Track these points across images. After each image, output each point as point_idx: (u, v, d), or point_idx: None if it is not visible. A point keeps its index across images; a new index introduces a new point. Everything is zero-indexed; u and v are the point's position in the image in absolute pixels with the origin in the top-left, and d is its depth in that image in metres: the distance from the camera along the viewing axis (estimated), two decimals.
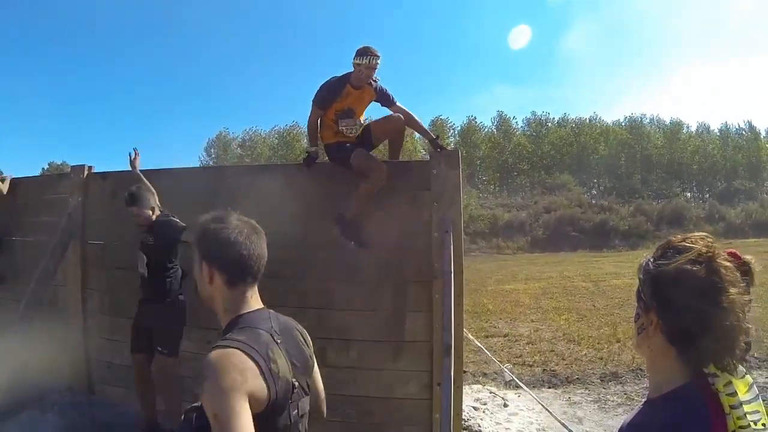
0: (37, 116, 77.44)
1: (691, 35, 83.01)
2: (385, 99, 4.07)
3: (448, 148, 4.14)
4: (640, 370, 6.53)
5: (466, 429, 4.70)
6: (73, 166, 5.25)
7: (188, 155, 61.30)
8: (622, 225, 34.51)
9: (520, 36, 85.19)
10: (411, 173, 4.10)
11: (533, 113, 54.47)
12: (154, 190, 4.04)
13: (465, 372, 4.97)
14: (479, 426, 4.89)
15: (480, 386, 6.23)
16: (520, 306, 11.83)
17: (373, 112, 6.34)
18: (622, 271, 17.33)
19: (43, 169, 44.05)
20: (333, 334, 4.03)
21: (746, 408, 0.99)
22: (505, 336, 9.02)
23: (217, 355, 1.30)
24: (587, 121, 52.76)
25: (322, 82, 4.02)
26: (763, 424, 1.00)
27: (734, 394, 0.99)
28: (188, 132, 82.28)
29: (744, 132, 53.18)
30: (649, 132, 52.46)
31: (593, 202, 41.38)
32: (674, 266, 1.03)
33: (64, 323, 4.85)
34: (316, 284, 4.13)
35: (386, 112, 4.15)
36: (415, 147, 37.74)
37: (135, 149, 4.45)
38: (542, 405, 4.82)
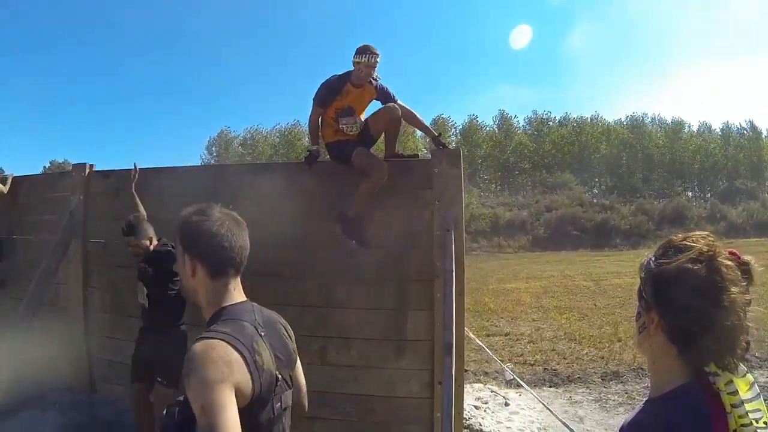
0: (38, 115, 77.64)
1: (693, 34, 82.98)
2: (385, 97, 4.06)
3: (450, 147, 4.13)
4: (641, 369, 6.53)
5: (467, 428, 4.70)
6: (74, 165, 5.25)
7: (189, 153, 61.53)
8: (623, 224, 34.47)
9: (521, 36, 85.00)
10: (412, 172, 4.10)
11: (534, 112, 54.65)
12: (145, 213, 4.01)
13: (466, 371, 4.97)
14: (480, 425, 4.89)
15: (481, 385, 6.23)
16: (522, 305, 11.84)
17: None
18: (623, 270, 17.31)
19: (44, 167, 44.26)
20: (334, 333, 4.03)
21: (747, 407, 0.99)
22: (506, 335, 9.03)
23: (203, 346, 1.29)
24: (589, 120, 52.83)
25: (323, 81, 4.02)
26: (765, 422, 1.00)
27: (735, 393, 0.99)
28: (189, 130, 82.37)
29: (746, 131, 53.14)
30: (650, 131, 52.46)
31: (594, 201, 41.38)
32: (675, 265, 1.03)
33: (65, 321, 4.86)
34: (317, 283, 4.13)
35: None
36: (417, 146, 37.69)
37: (136, 166, 4.37)
38: (543, 404, 4.82)
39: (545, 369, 7.03)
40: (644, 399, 1.14)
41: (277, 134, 52.28)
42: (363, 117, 4.07)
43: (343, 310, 4.05)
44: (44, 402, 4.58)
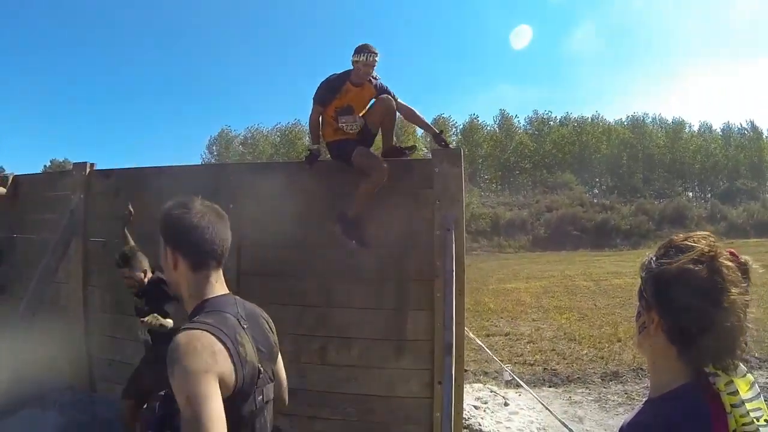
0: (39, 114, 77.66)
1: (694, 35, 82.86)
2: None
3: (450, 146, 4.13)
4: (641, 369, 6.53)
5: (466, 428, 4.70)
6: (75, 164, 5.25)
7: (190, 153, 61.53)
8: (623, 224, 34.49)
9: (521, 36, 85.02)
10: (413, 172, 4.10)
11: (535, 112, 54.64)
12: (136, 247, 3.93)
13: (466, 371, 4.97)
14: (480, 425, 4.89)
15: (481, 385, 6.24)
16: (521, 305, 11.84)
17: None
18: (623, 270, 17.31)
19: (45, 166, 44.19)
20: (334, 333, 4.03)
21: (748, 406, 0.99)
22: (506, 335, 9.03)
23: (187, 337, 1.29)
24: (589, 119, 52.85)
25: (322, 80, 4.03)
26: (766, 420, 1.00)
27: (735, 393, 0.99)
28: (190, 129, 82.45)
29: (746, 131, 53.12)
30: (651, 131, 52.46)
31: (595, 201, 41.41)
32: (676, 266, 1.03)
33: (66, 321, 4.86)
34: (317, 282, 4.13)
35: None
36: (418, 146, 37.70)
37: (130, 208, 4.21)
38: (543, 404, 4.83)
39: (545, 369, 7.03)
40: (644, 399, 1.14)
41: (278, 133, 52.32)
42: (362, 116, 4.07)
43: (343, 309, 4.05)
44: (44, 401, 4.59)
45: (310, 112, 4.10)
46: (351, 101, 3.97)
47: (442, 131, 4.17)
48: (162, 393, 1.33)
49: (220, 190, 4.25)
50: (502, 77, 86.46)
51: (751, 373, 1.06)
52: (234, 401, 1.32)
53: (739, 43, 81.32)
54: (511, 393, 5.93)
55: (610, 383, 6.37)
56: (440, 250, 3.82)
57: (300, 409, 4.02)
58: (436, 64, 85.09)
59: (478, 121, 52.81)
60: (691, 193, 51.17)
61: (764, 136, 52.03)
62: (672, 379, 1.06)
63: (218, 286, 1.50)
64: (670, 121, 53.05)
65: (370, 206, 3.92)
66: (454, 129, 51.76)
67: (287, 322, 4.08)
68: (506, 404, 5.52)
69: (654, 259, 1.09)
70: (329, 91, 3.96)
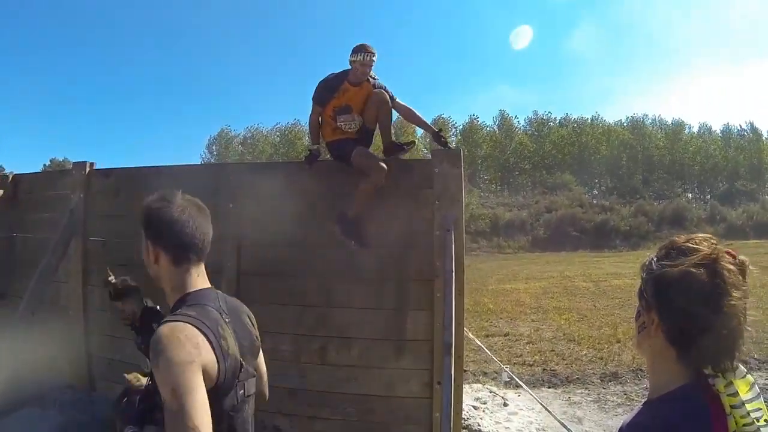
0: (38, 113, 77.60)
1: (694, 36, 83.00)
2: None
3: (450, 146, 4.13)
4: (640, 370, 6.53)
5: (466, 428, 4.70)
6: (74, 163, 5.25)
7: (190, 152, 61.47)
8: (623, 225, 34.52)
9: (521, 36, 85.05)
10: (413, 172, 4.10)
11: (535, 113, 54.67)
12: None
13: (465, 371, 4.96)
14: (479, 425, 4.89)
15: (480, 385, 6.24)
16: (521, 305, 11.85)
17: None
18: (622, 271, 17.32)
19: (44, 165, 44.17)
20: (334, 333, 4.03)
21: (748, 406, 0.99)
22: (505, 335, 9.03)
23: (170, 328, 1.30)
24: (589, 120, 52.85)
25: (321, 80, 4.05)
26: (766, 420, 1.00)
27: (735, 394, 0.99)
28: (190, 129, 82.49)
29: (746, 133, 53.15)
30: (650, 132, 52.46)
31: (594, 202, 41.43)
32: (678, 270, 1.02)
33: (65, 320, 4.86)
34: (317, 282, 4.13)
35: None
36: (417, 146, 37.71)
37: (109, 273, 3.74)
38: (542, 405, 4.82)
39: (544, 369, 7.03)
40: (643, 400, 1.14)
41: (278, 133, 52.32)
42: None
43: (343, 309, 4.05)
44: (44, 400, 4.58)
45: (309, 113, 4.11)
46: (349, 100, 3.98)
47: (441, 130, 4.18)
48: (142, 386, 1.33)
49: (219, 189, 4.26)
50: (501, 78, 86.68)
51: (751, 374, 1.06)
52: (216, 394, 1.32)
53: (739, 45, 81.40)
54: (510, 393, 5.93)
55: (609, 384, 6.37)
56: (440, 250, 3.82)
57: (300, 409, 4.03)
58: (436, 65, 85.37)
59: (477, 121, 52.91)
60: (690, 195, 51.24)
61: (764, 138, 52.05)
62: (671, 380, 1.06)
63: (200, 279, 1.51)
64: (670, 122, 53.21)
65: (370, 206, 3.92)
66: (453, 129, 51.81)
67: (287, 322, 4.08)
68: (505, 405, 5.52)
69: (655, 260, 1.09)
70: (327, 91, 3.98)
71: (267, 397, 1.75)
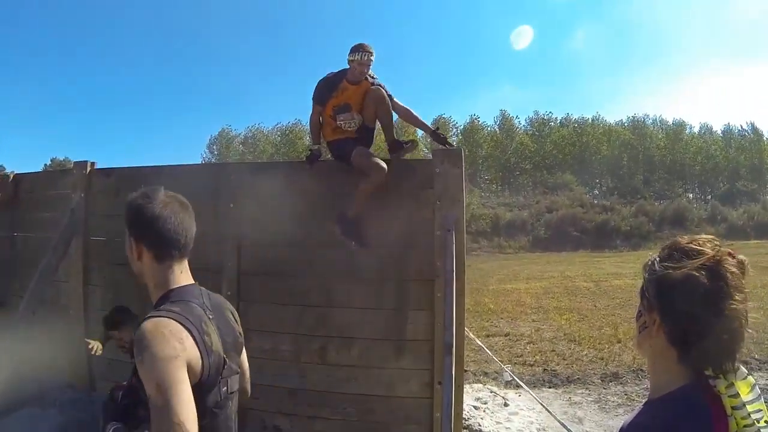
0: (39, 112, 77.54)
1: (695, 36, 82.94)
2: None
3: (451, 146, 4.12)
4: (641, 370, 6.53)
5: (466, 428, 4.70)
6: (75, 162, 5.24)
7: (190, 152, 61.49)
8: (623, 225, 34.47)
9: (522, 36, 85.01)
10: (414, 172, 4.09)
11: (536, 113, 54.59)
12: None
13: (466, 371, 4.97)
14: (480, 425, 4.89)
15: (481, 385, 6.24)
16: (522, 305, 11.84)
17: None
18: (623, 271, 17.33)
19: (45, 165, 44.19)
20: (334, 333, 4.03)
21: (749, 408, 0.99)
22: (506, 335, 9.03)
23: (153, 324, 1.30)
24: (590, 120, 52.78)
25: (320, 79, 4.06)
26: (767, 421, 1.00)
27: (737, 395, 0.99)
28: (191, 129, 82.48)
29: (747, 133, 53.10)
30: (651, 132, 52.42)
31: (595, 202, 41.39)
32: (682, 272, 1.02)
33: (66, 319, 4.86)
34: (317, 282, 4.12)
35: None
36: (419, 146, 37.69)
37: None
38: (542, 405, 4.82)
39: (545, 370, 7.03)
40: (643, 400, 1.14)
41: (278, 133, 52.30)
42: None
43: (343, 309, 4.05)
44: (44, 400, 4.58)
45: (310, 113, 4.12)
46: (348, 99, 3.99)
47: (438, 128, 4.19)
48: (124, 382, 1.33)
49: (220, 189, 4.26)
50: (502, 78, 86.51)
51: (752, 374, 1.06)
52: (199, 391, 1.32)
53: (739, 45, 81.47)
54: (510, 393, 5.92)
55: (610, 384, 6.37)
56: (440, 250, 3.82)
57: (300, 408, 4.03)
58: (436, 65, 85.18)
59: (478, 121, 52.84)
60: (691, 195, 51.13)
61: (765, 138, 51.95)
62: (671, 381, 1.06)
63: (183, 276, 1.51)
64: (671, 122, 53.15)
65: (370, 206, 3.92)
66: (454, 129, 51.78)
67: (287, 322, 4.09)
68: (506, 405, 5.52)
69: (658, 260, 1.09)
70: (326, 90, 3.99)
71: (249, 394, 1.75)
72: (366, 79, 3.99)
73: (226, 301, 1.66)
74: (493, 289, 14.50)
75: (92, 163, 5.13)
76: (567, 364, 7.23)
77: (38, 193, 5.59)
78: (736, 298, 0.99)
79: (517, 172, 51.83)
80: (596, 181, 51.79)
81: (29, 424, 4.33)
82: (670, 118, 53.56)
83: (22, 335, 4.22)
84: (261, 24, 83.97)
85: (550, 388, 6.34)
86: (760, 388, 1.06)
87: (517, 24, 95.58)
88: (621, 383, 6.37)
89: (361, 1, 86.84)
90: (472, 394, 5.72)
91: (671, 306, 1.04)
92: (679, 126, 52.59)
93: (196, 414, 1.23)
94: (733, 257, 1.04)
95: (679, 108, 78.51)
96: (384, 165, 3.80)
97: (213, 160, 49.12)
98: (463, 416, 4.50)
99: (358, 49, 3.86)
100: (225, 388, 1.45)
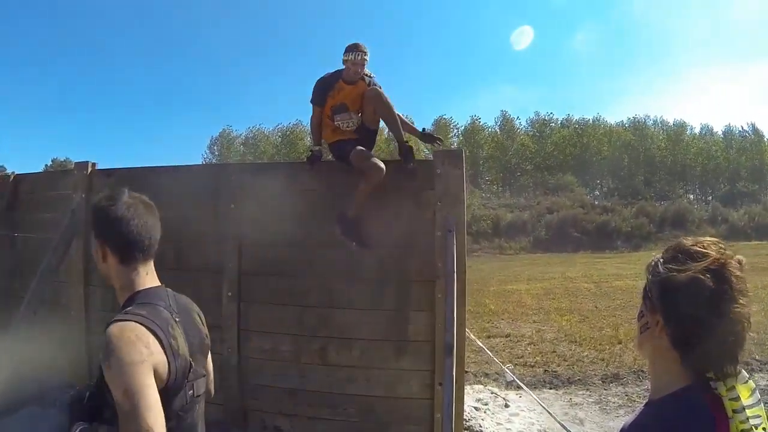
0: (40, 112, 77.58)
1: (696, 37, 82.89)
2: None
3: (452, 147, 4.12)
4: (642, 371, 6.52)
5: (467, 429, 4.70)
6: (76, 163, 5.24)
7: (191, 153, 61.46)
8: (624, 226, 34.42)
9: (522, 37, 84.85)
10: (414, 173, 4.09)
11: (537, 114, 54.58)
12: None
13: (466, 372, 4.97)
14: (480, 426, 4.89)
15: (481, 386, 6.23)
16: (522, 306, 11.83)
17: None
18: (624, 272, 17.31)
19: (46, 165, 44.21)
20: (334, 333, 4.03)
21: (748, 412, 0.99)
22: (506, 336, 9.02)
23: (119, 328, 1.30)
24: (590, 121, 52.77)
25: (316, 80, 4.06)
26: (764, 429, 1.00)
27: (737, 398, 0.99)
28: (192, 129, 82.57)
29: (748, 134, 53.06)
30: (652, 133, 52.38)
31: (596, 203, 41.31)
32: (686, 275, 1.02)
33: (66, 320, 4.86)
34: (317, 283, 4.13)
35: None
36: (419, 146, 37.73)
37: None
38: (543, 406, 4.82)
39: (545, 371, 7.02)
40: (644, 401, 1.14)
41: (279, 134, 52.33)
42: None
43: (343, 310, 4.05)
44: (44, 400, 4.58)
45: (311, 114, 4.13)
46: (344, 99, 3.99)
47: (424, 128, 4.20)
48: (90, 382, 1.33)
49: (221, 190, 4.26)
50: (503, 78, 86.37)
51: (753, 375, 1.06)
52: (165, 395, 1.32)
53: (740, 46, 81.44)
54: (511, 394, 5.92)
55: (611, 385, 6.36)
56: (441, 251, 3.82)
57: (300, 409, 4.03)
58: (437, 65, 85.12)
59: (479, 122, 52.83)
60: (692, 196, 51.19)
61: (765, 139, 51.91)
62: (672, 382, 1.06)
63: (149, 278, 1.51)
64: (672, 123, 53.08)
65: (371, 207, 3.92)
66: (455, 130, 51.86)
67: (287, 322, 4.09)
68: (507, 406, 5.52)
69: (662, 262, 1.09)
70: (322, 90, 4.00)
71: (213, 393, 1.75)
72: (362, 79, 4.00)
73: (192, 302, 1.66)
74: (494, 290, 14.48)
75: (93, 164, 5.13)
76: (568, 365, 7.22)
77: (39, 194, 5.60)
78: (740, 301, 0.99)
79: (518, 173, 51.83)
80: (597, 182, 51.79)
81: (29, 424, 4.33)
82: (670, 119, 53.61)
83: (22, 335, 4.22)
84: (262, 25, 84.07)
85: (550, 389, 6.33)
86: (761, 389, 1.06)
87: (518, 24, 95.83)
88: (622, 384, 6.36)
89: (361, 1, 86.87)
90: (472, 395, 5.71)
91: (675, 308, 1.04)
92: (680, 127, 52.58)
93: (163, 418, 1.23)
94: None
95: (680, 109, 78.59)
96: (382, 165, 3.80)
97: (214, 161, 49.18)
98: (464, 417, 4.49)
99: (352, 48, 3.87)
100: (191, 391, 1.45)
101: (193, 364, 1.44)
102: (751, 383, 1.04)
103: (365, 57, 3.89)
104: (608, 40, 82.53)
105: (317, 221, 4.11)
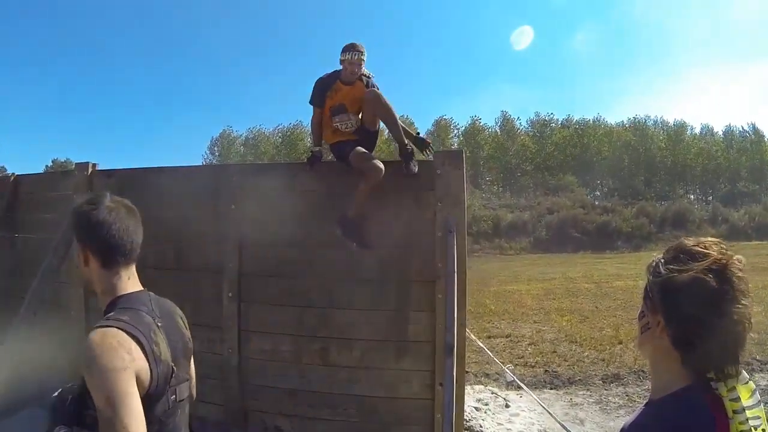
0: (40, 113, 77.63)
1: (696, 37, 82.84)
2: None
3: (452, 148, 4.12)
4: (642, 371, 6.52)
5: (467, 429, 4.70)
6: (77, 164, 5.24)
7: (192, 153, 61.48)
8: (625, 227, 34.40)
9: (523, 37, 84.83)
10: (415, 173, 4.09)
11: (537, 114, 54.44)
12: None
13: (467, 372, 4.97)
14: (481, 426, 4.89)
15: (482, 387, 6.24)
16: (523, 307, 11.84)
17: None
18: (624, 272, 17.30)
19: (46, 166, 44.25)
20: (335, 334, 4.03)
21: (748, 414, 0.99)
22: (507, 336, 9.03)
23: (101, 334, 1.30)
24: (591, 122, 52.67)
25: (315, 81, 4.07)
26: (764, 430, 1.00)
27: (737, 399, 0.99)
28: (192, 130, 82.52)
29: (748, 134, 52.97)
30: (652, 133, 52.30)
31: (596, 203, 41.27)
32: (688, 275, 1.02)
33: (67, 320, 4.86)
34: (318, 283, 4.13)
35: None
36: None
37: None
38: (543, 406, 4.81)
39: (546, 371, 7.02)
40: (645, 401, 1.14)
41: (280, 134, 52.31)
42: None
43: (344, 310, 4.05)
44: (45, 400, 4.58)
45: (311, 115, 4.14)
46: (343, 99, 3.98)
47: (418, 133, 4.23)
48: (73, 385, 1.33)
49: (221, 190, 4.26)
50: (503, 78, 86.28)
51: (753, 375, 1.06)
52: (148, 401, 1.32)
53: (740, 46, 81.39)
54: (512, 395, 5.93)
55: (611, 385, 6.36)
56: (442, 251, 3.82)
57: (301, 409, 4.03)
58: (437, 66, 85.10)
59: (479, 123, 52.77)
60: (692, 196, 51.08)
61: (766, 139, 51.84)
62: (673, 382, 1.06)
63: (131, 282, 1.51)
64: (672, 123, 52.99)
65: (371, 207, 3.92)
66: (456, 131, 51.88)
67: (288, 323, 4.09)
68: (507, 406, 5.52)
69: (663, 262, 1.08)
70: (321, 91, 4.01)
71: (194, 396, 1.75)
72: (360, 79, 4.00)
73: (175, 306, 1.65)
74: (495, 290, 14.48)
75: (94, 165, 5.13)
76: (568, 366, 7.22)
77: (39, 195, 5.60)
78: (742, 301, 0.99)
79: (519, 174, 51.77)
80: (597, 183, 51.75)
81: (30, 424, 4.33)
82: (671, 119, 53.45)
83: (23, 336, 4.22)
84: (263, 25, 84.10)
85: (551, 389, 6.33)
86: (761, 390, 1.06)
87: (518, 24, 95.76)
88: (622, 384, 6.36)
89: (361, 1, 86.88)
90: (473, 395, 5.71)
91: (676, 308, 1.03)
92: (680, 127, 52.51)
93: (145, 425, 1.23)
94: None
95: (680, 109, 78.53)
96: (381, 165, 3.79)
97: (214, 161, 49.19)
98: (464, 417, 4.49)
99: (349, 48, 3.87)
100: (174, 396, 1.44)
101: (175, 369, 1.43)
102: (752, 384, 1.04)
103: (362, 56, 3.89)
104: (608, 40, 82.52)
105: (317, 222, 4.11)
